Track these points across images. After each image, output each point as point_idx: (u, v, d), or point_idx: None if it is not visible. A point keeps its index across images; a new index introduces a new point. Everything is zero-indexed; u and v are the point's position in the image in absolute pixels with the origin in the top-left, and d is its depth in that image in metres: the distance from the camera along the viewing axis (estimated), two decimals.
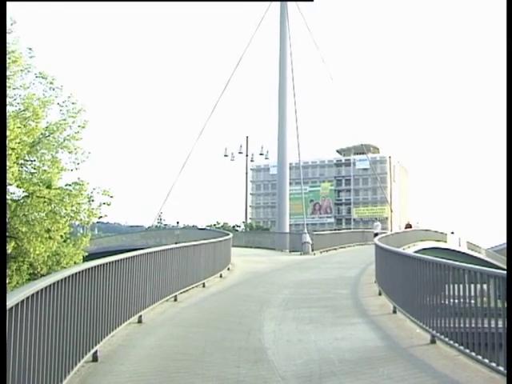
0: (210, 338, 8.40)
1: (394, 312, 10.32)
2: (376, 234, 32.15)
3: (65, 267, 18.83)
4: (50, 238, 18.97)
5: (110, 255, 8.04)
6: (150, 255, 10.25)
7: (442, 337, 7.36)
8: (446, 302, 7.60)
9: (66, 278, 5.71)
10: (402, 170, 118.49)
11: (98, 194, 20.57)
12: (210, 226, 49.55)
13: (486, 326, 6.16)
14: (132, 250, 10.11)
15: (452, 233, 46.59)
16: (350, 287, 14.69)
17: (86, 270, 6.48)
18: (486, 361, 6.06)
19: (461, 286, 7.09)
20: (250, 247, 32.67)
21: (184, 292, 12.72)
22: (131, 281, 8.80)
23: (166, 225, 53.06)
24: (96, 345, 6.81)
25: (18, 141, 16.00)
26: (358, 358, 7.13)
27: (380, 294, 12.54)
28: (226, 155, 51.02)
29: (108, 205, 21.04)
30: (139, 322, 9.28)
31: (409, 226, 40.31)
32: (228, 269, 18.47)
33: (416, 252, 25.27)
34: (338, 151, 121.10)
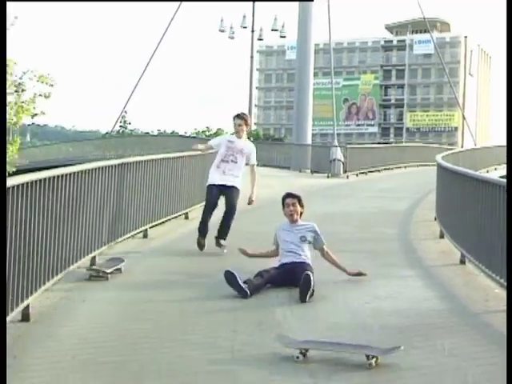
0: (190, 295, 8.43)
1: (463, 262, 10.38)
2: None
3: None
4: None
5: None
6: (107, 170, 10.09)
7: None
8: None
9: None
10: (484, 57, 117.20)
11: (31, 81, 20.30)
12: (198, 133, 49.50)
13: None
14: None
15: None
16: (397, 225, 14.80)
17: (11, 188, 6.35)
18: None
19: None
20: (256, 165, 32.71)
21: (158, 225, 12.84)
22: (80, 209, 8.72)
23: (132, 130, 53.01)
24: (27, 298, 6.82)
25: None
26: (406, 324, 7.16)
27: (442, 237, 12.61)
28: (221, 30, 50.25)
29: (46, 97, 20.85)
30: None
31: None
32: None
33: (501, 177, 25.19)
34: (387, 28, 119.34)
